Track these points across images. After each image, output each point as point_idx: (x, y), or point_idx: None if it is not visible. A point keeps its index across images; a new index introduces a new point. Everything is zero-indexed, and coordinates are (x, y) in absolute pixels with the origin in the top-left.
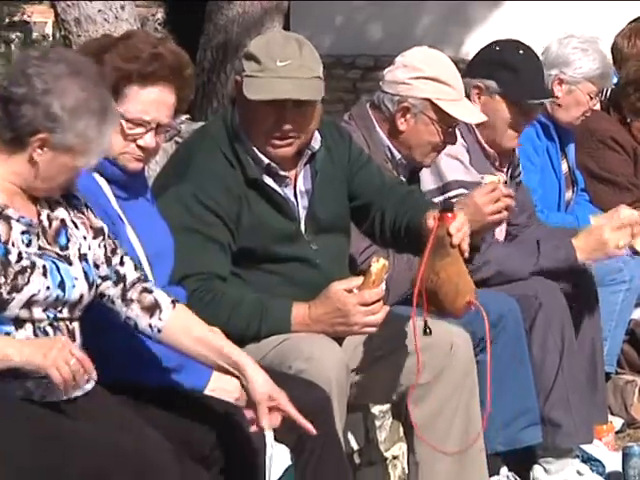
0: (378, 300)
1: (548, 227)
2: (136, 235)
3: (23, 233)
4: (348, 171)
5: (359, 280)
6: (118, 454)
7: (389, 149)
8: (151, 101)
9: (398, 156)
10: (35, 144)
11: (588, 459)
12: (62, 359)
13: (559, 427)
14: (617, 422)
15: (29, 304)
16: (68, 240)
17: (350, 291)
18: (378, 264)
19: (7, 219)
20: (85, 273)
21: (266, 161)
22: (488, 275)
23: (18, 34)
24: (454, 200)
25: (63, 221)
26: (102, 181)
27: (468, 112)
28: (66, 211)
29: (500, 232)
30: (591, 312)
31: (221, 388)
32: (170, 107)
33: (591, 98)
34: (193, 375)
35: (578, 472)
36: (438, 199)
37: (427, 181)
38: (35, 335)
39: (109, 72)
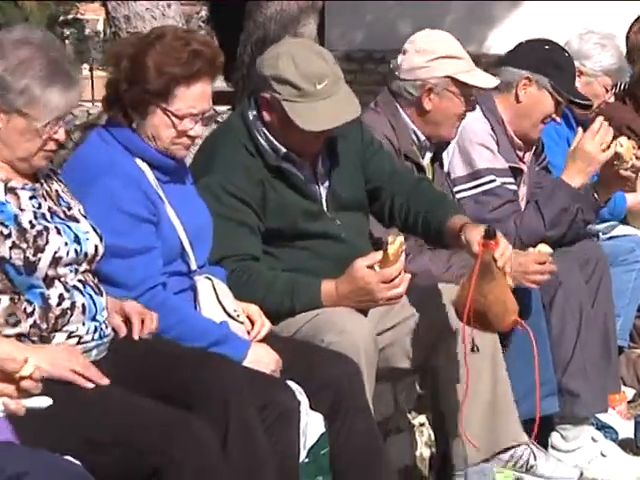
0: (398, 274)
1: None
2: (177, 215)
3: (31, 198)
4: (362, 155)
5: (379, 255)
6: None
7: (414, 132)
8: (197, 96)
9: (423, 138)
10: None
11: (602, 426)
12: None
13: (577, 397)
14: (629, 392)
15: (55, 262)
16: (69, 202)
17: (372, 267)
18: (395, 244)
19: (12, 190)
20: (92, 227)
21: (284, 150)
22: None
23: (72, 30)
24: (498, 235)
25: (57, 191)
26: (144, 165)
27: (484, 79)
28: (57, 184)
29: None
30: (603, 286)
31: (258, 360)
32: (210, 95)
33: (607, 91)
34: (232, 347)
35: (593, 439)
36: (469, 189)
37: (459, 168)
38: (67, 291)
39: (155, 75)
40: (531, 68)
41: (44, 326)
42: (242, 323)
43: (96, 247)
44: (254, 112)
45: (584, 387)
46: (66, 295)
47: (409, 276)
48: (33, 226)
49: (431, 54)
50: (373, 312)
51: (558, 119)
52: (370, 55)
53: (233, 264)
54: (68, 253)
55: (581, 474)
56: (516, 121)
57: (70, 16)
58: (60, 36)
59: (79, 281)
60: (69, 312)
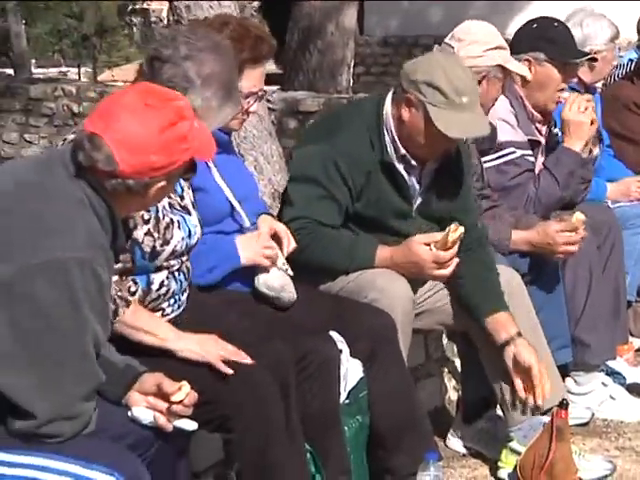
0: (450, 259)
1: None
2: (224, 181)
3: None
4: (465, 181)
5: (438, 236)
6: None
7: None
8: (258, 77)
9: None
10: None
11: (611, 372)
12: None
13: (588, 347)
14: (636, 342)
15: (172, 254)
16: (182, 190)
17: (428, 245)
18: (456, 233)
19: None
20: (198, 220)
21: (403, 152)
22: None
23: (139, 18)
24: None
25: None
26: None
27: (520, 66)
28: None
29: None
30: (615, 251)
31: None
32: (264, 74)
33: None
34: (226, 261)
35: (603, 383)
36: (493, 160)
37: (483, 141)
38: (167, 278)
39: None
40: (527, 49)
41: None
42: (291, 277)
43: (197, 239)
44: (390, 109)
45: (595, 338)
46: (166, 282)
47: (457, 260)
48: (164, 217)
49: (486, 44)
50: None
51: (564, 86)
52: (404, 40)
53: (300, 224)
54: (182, 247)
55: (592, 415)
56: (533, 96)
57: (137, 6)
58: (129, 23)
59: (177, 269)
60: (163, 297)
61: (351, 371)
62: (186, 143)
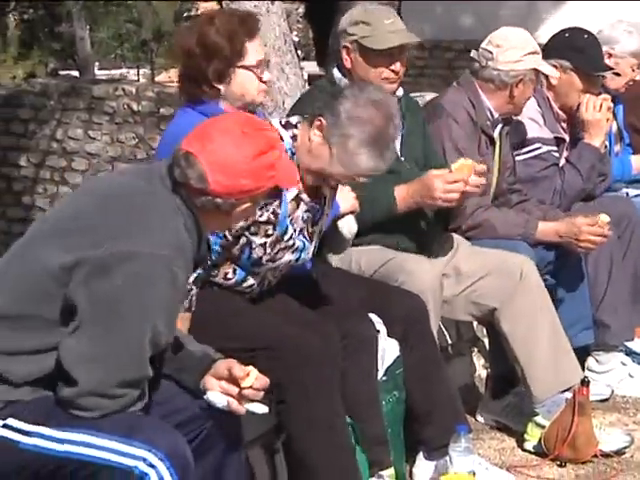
0: (457, 182)
1: None
2: None
3: (305, 212)
4: (422, 129)
5: (447, 171)
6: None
7: (489, 110)
8: (258, 46)
9: (496, 115)
10: (315, 124)
11: (630, 352)
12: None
13: (608, 328)
14: None
15: (274, 270)
16: (320, 218)
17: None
18: (465, 161)
19: (298, 199)
20: (313, 249)
21: None
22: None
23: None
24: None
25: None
26: None
27: (552, 70)
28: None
29: None
30: (634, 240)
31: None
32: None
33: (633, 70)
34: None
35: (622, 362)
36: (522, 154)
37: (514, 137)
38: (257, 285)
39: (227, 42)
40: (555, 56)
41: None
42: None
43: (301, 264)
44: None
45: (615, 320)
46: (256, 289)
47: (466, 189)
48: (289, 239)
49: (523, 50)
50: (442, 262)
51: (594, 92)
52: (438, 44)
53: None
54: (284, 268)
55: (612, 391)
56: (558, 99)
57: (192, 12)
58: None
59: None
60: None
61: (388, 350)
62: (273, 171)
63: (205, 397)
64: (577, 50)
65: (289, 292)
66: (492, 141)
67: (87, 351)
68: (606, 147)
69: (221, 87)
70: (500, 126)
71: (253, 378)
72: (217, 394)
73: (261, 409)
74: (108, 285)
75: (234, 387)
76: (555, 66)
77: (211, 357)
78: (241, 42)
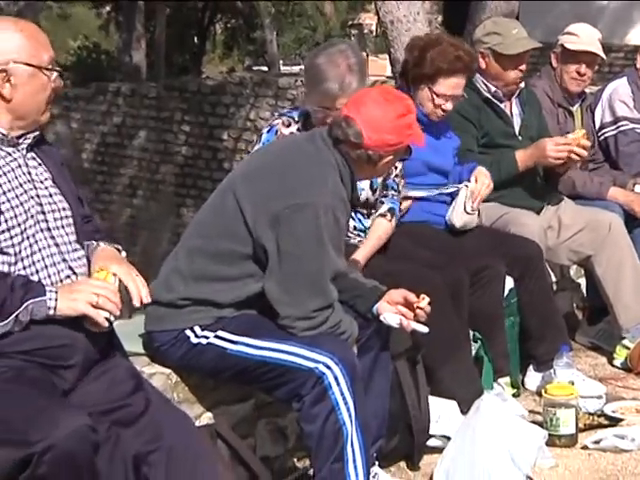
0: (566, 144)
1: None
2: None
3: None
4: (538, 115)
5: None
6: None
7: (565, 90)
8: (453, 85)
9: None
10: None
11: None
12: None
13: None
14: None
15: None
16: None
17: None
18: (575, 134)
19: None
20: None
21: (493, 89)
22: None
23: (356, 30)
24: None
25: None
26: None
27: None
28: None
29: None
30: None
31: None
32: (463, 85)
33: None
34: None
35: None
36: (612, 130)
37: (607, 116)
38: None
39: (429, 65)
40: None
41: None
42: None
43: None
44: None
45: None
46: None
47: (574, 149)
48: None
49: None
50: (547, 216)
51: None
52: (549, 46)
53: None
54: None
55: None
56: None
57: (355, 21)
58: (348, 33)
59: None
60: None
61: (506, 284)
62: (410, 130)
63: (382, 317)
64: None
65: (430, 243)
66: (570, 113)
67: (283, 288)
68: None
69: (412, 88)
70: (577, 104)
71: (426, 302)
72: (391, 315)
73: (424, 329)
74: (289, 231)
75: (408, 310)
76: None
77: (381, 288)
78: (439, 73)
